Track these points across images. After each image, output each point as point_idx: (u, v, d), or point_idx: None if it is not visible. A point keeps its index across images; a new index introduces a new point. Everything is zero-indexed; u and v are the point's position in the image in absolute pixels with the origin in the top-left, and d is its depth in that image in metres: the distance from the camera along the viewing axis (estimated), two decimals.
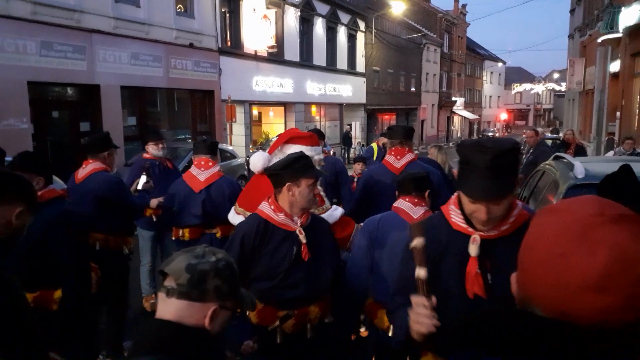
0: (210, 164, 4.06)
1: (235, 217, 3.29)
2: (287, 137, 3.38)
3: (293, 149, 3.24)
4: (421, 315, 1.53)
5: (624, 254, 0.69)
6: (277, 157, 3.13)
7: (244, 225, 2.51)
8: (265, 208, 2.45)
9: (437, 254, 1.68)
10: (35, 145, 10.56)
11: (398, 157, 3.64)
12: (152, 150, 5.08)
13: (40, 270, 2.61)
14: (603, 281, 0.68)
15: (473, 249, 1.64)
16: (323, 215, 3.14)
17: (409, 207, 2.61)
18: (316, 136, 3.55)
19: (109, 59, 12.19)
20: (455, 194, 1.76)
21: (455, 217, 1.72)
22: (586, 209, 0.76)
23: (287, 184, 2.37)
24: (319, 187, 3.36)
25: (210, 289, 1.23)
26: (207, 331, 1.23)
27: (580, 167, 3.48)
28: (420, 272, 1.57)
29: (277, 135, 3.93)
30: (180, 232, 4.08)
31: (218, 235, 4.03)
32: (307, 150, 3.23)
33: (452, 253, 1.68)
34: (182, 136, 15.51)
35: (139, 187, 4.45)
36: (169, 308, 1.23)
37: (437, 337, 1.52)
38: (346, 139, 23.08)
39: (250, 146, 17.65)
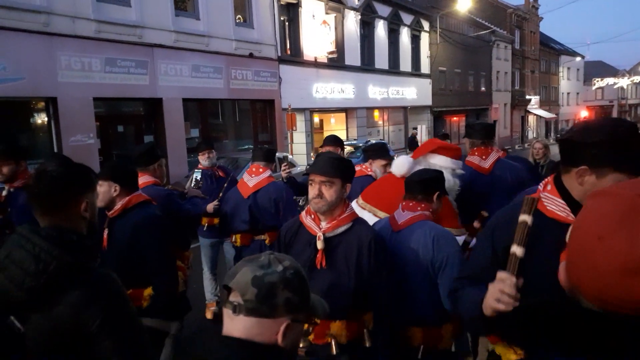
0: (261, 170, 4.10)
1: (356, 208, 3.28)
2: (434, 147, 3.37)
3: (437, 159, 3.30)
4: (504, 294, 1.43)
5: None
6: (421, 165, 3.24)
7: (288, 222, 2.59)
8: (303, 212, 2.45)
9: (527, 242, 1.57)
10: (102, 160, 10.84)
11: (483, 157, 3.61)
12: (201, 160, 5.22)
13: (131, 271, 2.69)
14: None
15: None
16: None
17: (398, 213, 2.51)
18: (460, 150, 3.50)
19: (171, 72, 12.35)
20: (549, 184, 1.66)
21: (553, 206, 1.61)
22: (634, 190, 0.71)
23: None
24: (453, 202, 3.26)
25: (280, 303, 1.12)
26: (280, 348, 1.13)
27: None
28: (517, 250, 1.45)
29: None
30: (233, 237, 4.19)
31: (267, 242, 4.02)
32: (449, 162, 3.28)
33: (545, 241, 1.54)
34: (245, 146, 15.51)
35: (193, 184, 4.62)
36: (237, 326, 1.12)
37: (511, 320, 1.49)
38: (412, 143, 22.25)
39: (312, 154, 17.37)
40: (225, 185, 4.95)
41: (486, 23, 33.11)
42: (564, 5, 54.79)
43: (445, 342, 2.37)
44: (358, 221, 2.38)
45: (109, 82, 10.89)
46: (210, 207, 4.44)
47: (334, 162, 2.30)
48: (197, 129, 13.82)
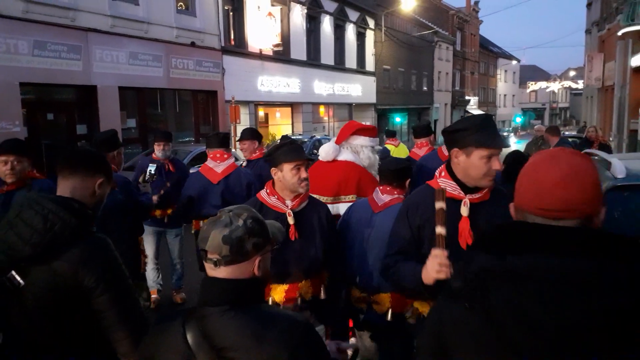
0: (226, 156, 4.28)
1: None
2: (354, 129, 3.73)
3: (359, 139, 3.70)
4: (442, 265, 1.83)
5: (576, 166, 1.06)
6: (345, 148, 3.68)
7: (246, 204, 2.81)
8: (262, 192, 2.70)
9: (429, 217, 2.02)
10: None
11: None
12: (156, 150, 5.20)
13: None
14: (564, 181, 1.04)
15: (465, 210, 2.07)
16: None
17: (377, 196, 2.87)
18: (376, 129, 3.99)
19: (106, 58, 11.77)
20: (442, 171, 2.17)
21: (448, 187, 2.09)
22: (554, 148, 1.28)
23: (272, 168, 2.61)
24: (376, 175, 3.66)
25: (250, 249, 1.37)
26: (257, 278, 1.41)
27: (619, 166, 2.86)
28: (441, 231, 1.86)
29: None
30: (201, 223, 4.16)
31: None
32: (368, 140, 3.72)
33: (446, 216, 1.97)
34: (186, 139, 15.04)
35: (147, 177, 4.60)
36: (220, 273, 1.36)
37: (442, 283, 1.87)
38: None
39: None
40: (168, 184, 4.85)
41: (429, 24, 33.95)
42: (502, 10, 57.20)
43: (408, 307, 2.71)
44: (311, 198, 2.79)
45: (37, 66, 10.22)
46: (154, 198, 4.43)
47: (302, 147, 2.73)
48: (134, 119, 13.26)
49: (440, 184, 2.13)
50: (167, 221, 5.13)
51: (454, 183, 2.11)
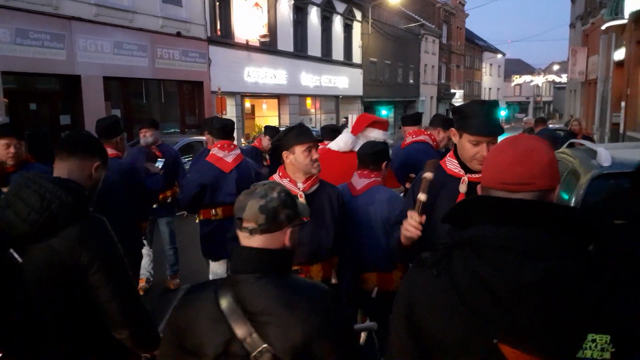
0: (232, 146, 4.38)
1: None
2: (370, 121, 3.91)
3: (374, 132, 3.88)
4: (411, 225, 2.00)
5: (533, 146, 1.17)
6: (360, 139, 3.79)
7: None
8: (275, 175, 2.77)
9: (434, 192, 2.14)
10: None
11: (438, 135, 4.54)
12: (140, 138, 5.26)
13: None
14: (521, 157, 1.15)
15: (462, 187, 2.17)
16: None
17: (355, 180, 2.97)
18: (388, 122, 4.24)
19: (90, 48, 11.59)
20: (451, 150, 2.31)
21: (451, 165, 2.24)
22: (515, 135, 1.29)
23: (284, 152, 2.67)
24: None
25: (283, 219, 1.48)
26: (288, 248, 1.50)
27: (605, 154, 2.91)
28: (422, 196, 2.02)
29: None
30: (213, 210, 4.34)
31: None
32: (382, 134, 3.94)
33: (446, 192, 2.16)
34: (171, 130, 14.90)
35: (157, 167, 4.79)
36: (254, 242, 1.46)
37: (419, 247, 1.98)
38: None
39: (243, 140, 17.07)
40: (161, 168, 4.98)
41: (416, 16, 33.98)
42: (487, 3, 57.45)
43: (395, 285, 2.81)
44: (322, 181, 2.80)
45: (20, 55, 10.01)
46: None
47: (310, 130, 2.80)
48: (118, 110, 13.09)
49: (446, 162, 2.27)
50: (158, 208, 5.19)
51: (456, 162, 2.23)
